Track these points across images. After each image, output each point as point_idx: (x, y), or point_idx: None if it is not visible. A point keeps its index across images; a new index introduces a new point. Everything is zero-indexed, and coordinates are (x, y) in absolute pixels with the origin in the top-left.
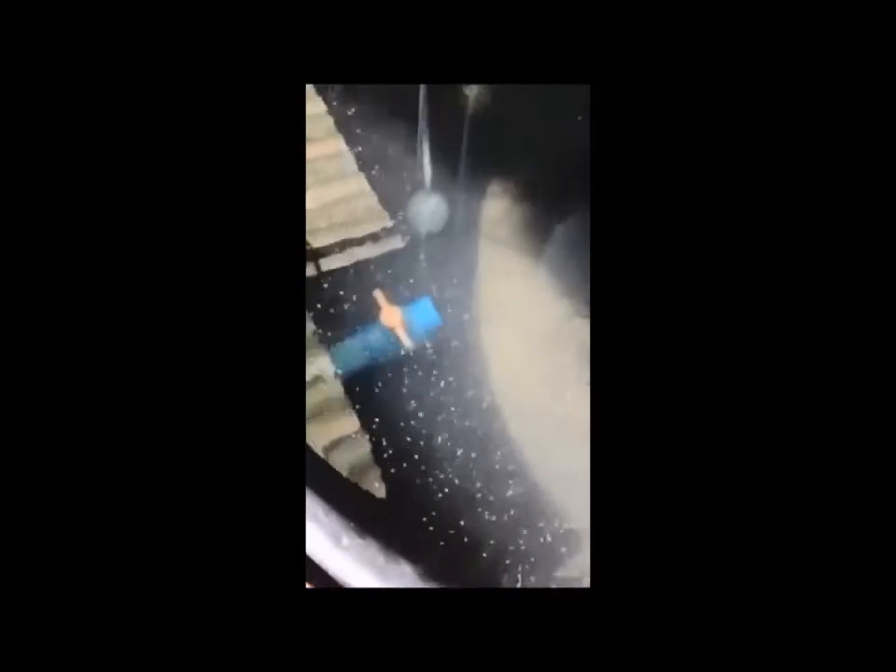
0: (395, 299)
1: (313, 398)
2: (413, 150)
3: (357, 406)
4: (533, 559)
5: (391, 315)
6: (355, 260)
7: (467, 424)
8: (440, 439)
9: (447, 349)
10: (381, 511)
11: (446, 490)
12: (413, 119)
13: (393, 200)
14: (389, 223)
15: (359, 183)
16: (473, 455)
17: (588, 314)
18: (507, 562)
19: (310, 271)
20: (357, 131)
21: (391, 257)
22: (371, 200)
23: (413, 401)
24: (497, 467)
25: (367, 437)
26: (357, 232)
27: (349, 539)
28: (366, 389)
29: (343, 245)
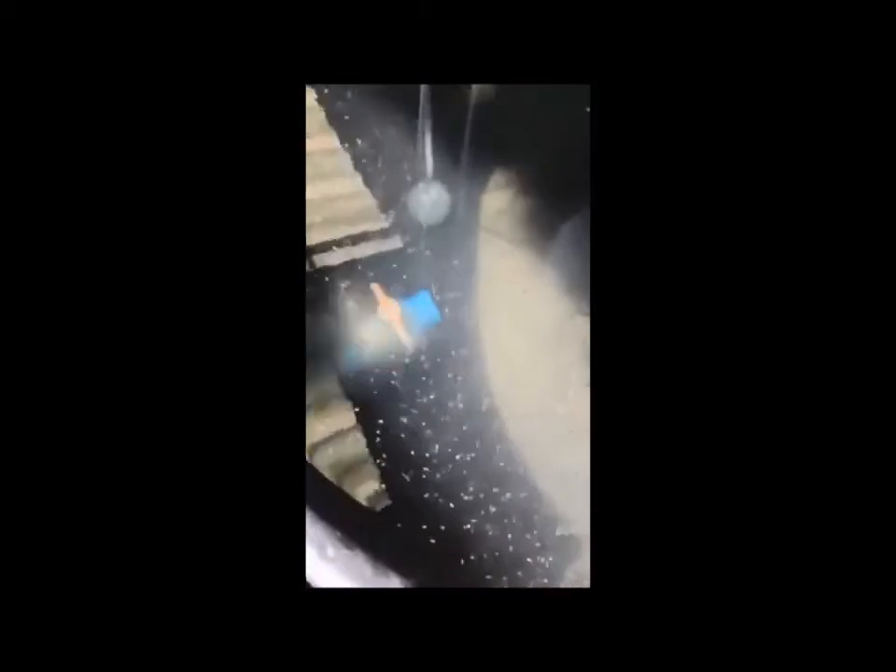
0: (393, 294)
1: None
2: (414, 140)
3: (356, 408)
4: (530, 567)
5: (389, 309)
6: (350, 258)
7: (465, 428)
8: (437, 446)
9: (445, 347)
10: (370, 518)
11: (436, 495)
12: (413, 109)
13: (391, 195)
14: (386, 223)
15: (355, 180)
16: (471, 456)
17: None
18: (504, 578)
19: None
20: (346, 117)
21: (389, 254)
22: (369, 200)
23: (409, 402)
24: (496, 470)
25: (362, 437)
26: (353, 230)
27: (335, 549)
28: (363, 388)
29: (340, 243)
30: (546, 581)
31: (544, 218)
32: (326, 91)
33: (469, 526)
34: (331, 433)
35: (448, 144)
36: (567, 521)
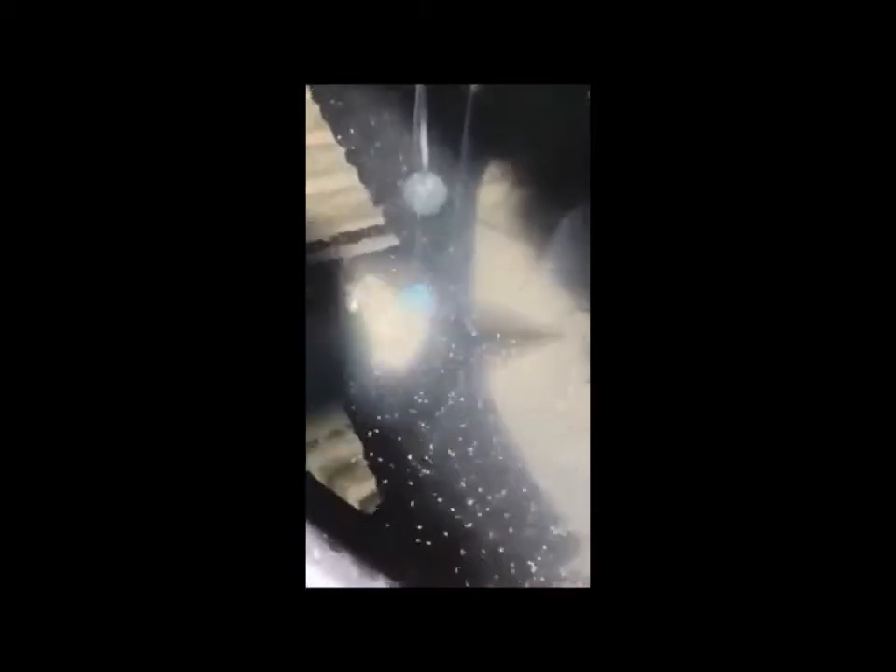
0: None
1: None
2: (410, 130)
3: (353, 405)
4: (523, 563)
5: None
6: (348, 255)
7: (462, 425)
8: (431, 444)
9: (439, 342)
10: (359, 519)
11: (433, 494)
12: (409, 99)
13: (386, 188)
14: (382, 220)
15: (350, 175)
16: (469, 450)
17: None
18: (496, 576)
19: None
20: (340, 103)
21: (385, 251)
22: (363, 195)
23: (405, 402)
24: (492, 467)
25: (355, 436)
26: (350, 227)
27: (321, 552)
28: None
29: (337, 240)
30: (542, 579)
31: (541, 212)
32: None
33: (463, 524)
34: (326, 434)
35: (445, 134)
36: (565, 518)
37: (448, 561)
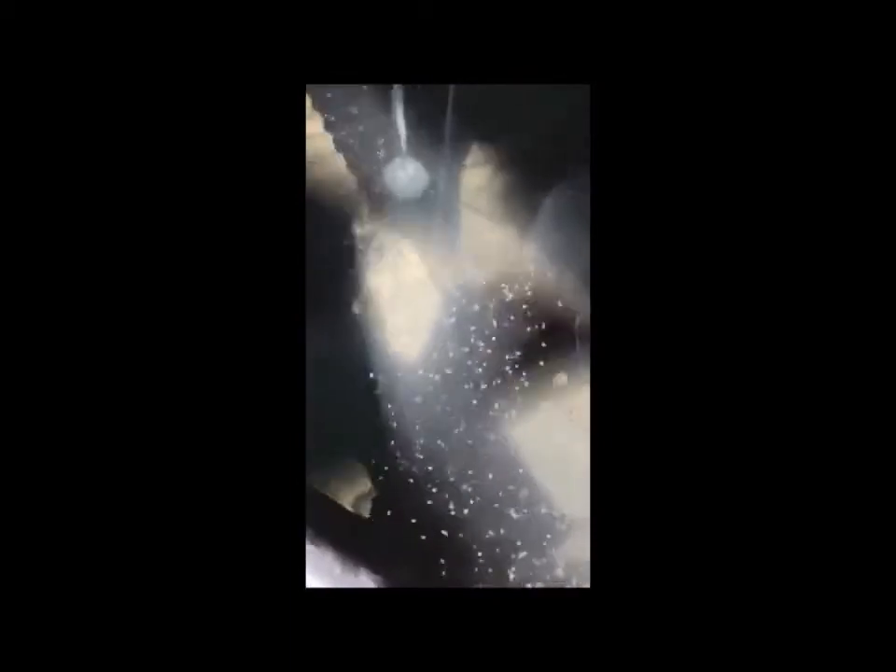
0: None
1: None
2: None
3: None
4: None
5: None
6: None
7: (453, 418)
8: (421, 439)
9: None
10: (346, 518)
11: (430, 489)
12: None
13: (371, 172)
14: (370, 205)
15: (337, 162)
16: (460, 447)
17: (575, 287)
18: (490, 571)
19: None
20: (328, 95)
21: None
22: (351, 182)
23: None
24: (487, 460)
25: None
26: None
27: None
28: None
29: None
30: (532, 559)
31: (524, 194)
32: None
33: (452, 512)
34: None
35: (427, 118)
36: (554, 501)
37: (429, 557)
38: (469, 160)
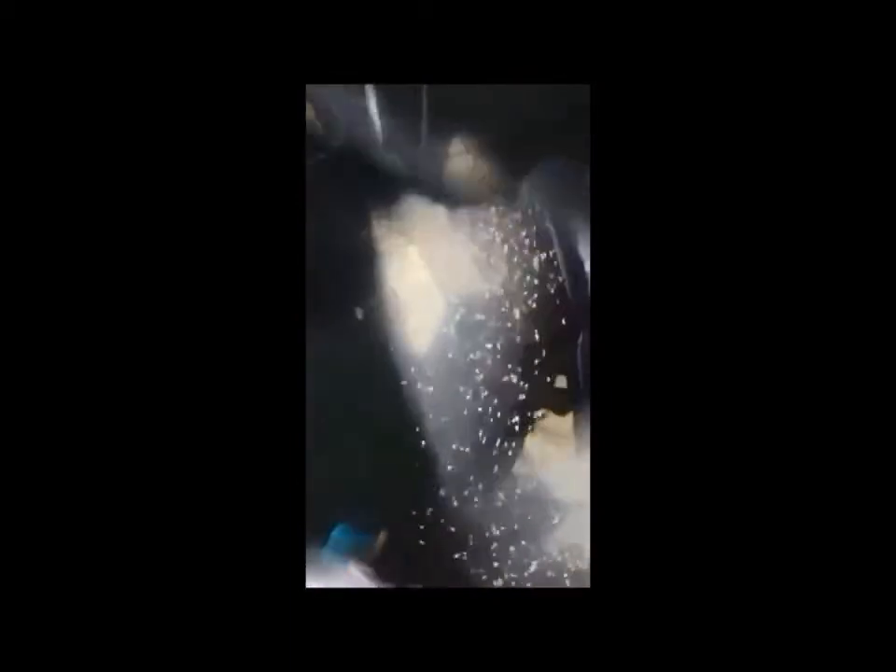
0: None
1: None
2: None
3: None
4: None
5: None
6: None
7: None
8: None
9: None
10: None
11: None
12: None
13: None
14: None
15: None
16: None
17: (564, 275)
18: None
19: None
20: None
21: None
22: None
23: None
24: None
25: None
26: None
27: None
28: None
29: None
30: (523, 541)
31: (506, 181)
32: None
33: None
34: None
35: (404, 108)
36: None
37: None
38: (451, 149)
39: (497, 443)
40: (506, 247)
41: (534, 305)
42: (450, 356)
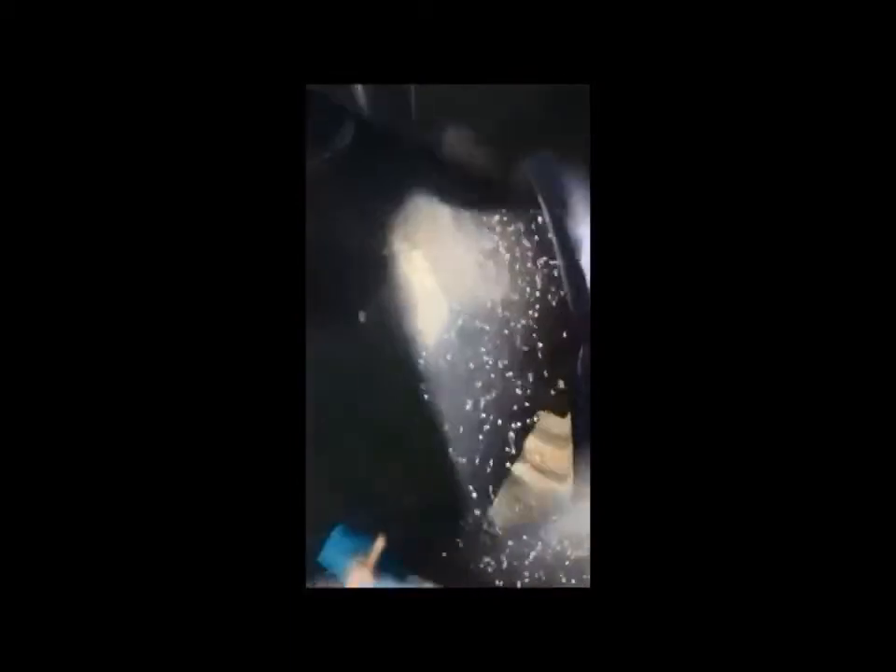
0: None
1: None
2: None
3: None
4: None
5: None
6: None
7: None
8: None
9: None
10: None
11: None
12: None
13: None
14: None
15: None
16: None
17: (567, 288)
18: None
19: None
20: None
21: None
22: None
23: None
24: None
25: None
26: None
27: None
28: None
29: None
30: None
31: (498, 173)
32: None
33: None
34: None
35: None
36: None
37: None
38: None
39: (497, 450)
40: (508, 256)
41: (535, 315)
42: (450, 358)
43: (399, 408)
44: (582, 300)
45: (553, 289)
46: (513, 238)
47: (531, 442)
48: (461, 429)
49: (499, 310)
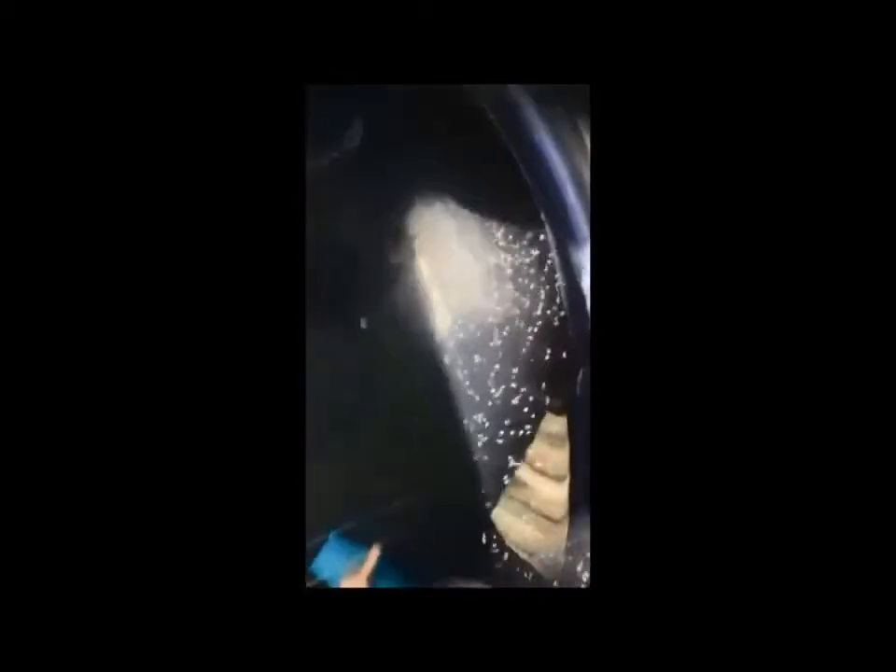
0: None
1: None
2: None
3: None
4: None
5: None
6: None
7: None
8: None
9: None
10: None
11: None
12: None
13: None
14: None
15: None
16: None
17: (566, 308)
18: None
19: None
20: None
21: None
22: None
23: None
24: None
25: None
26: None
27: None
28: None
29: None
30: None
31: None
32: None
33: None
34: None
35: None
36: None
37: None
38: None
39: (497, 455)
40: (511, 271)
41: (536, 331)
42: (448, 362)
43: (399, 409)
44: (582, 320)
45: (554, 308)
46: (517, 254)
47: (532, 448)
48: (461, 432)
49: (500, 323)
